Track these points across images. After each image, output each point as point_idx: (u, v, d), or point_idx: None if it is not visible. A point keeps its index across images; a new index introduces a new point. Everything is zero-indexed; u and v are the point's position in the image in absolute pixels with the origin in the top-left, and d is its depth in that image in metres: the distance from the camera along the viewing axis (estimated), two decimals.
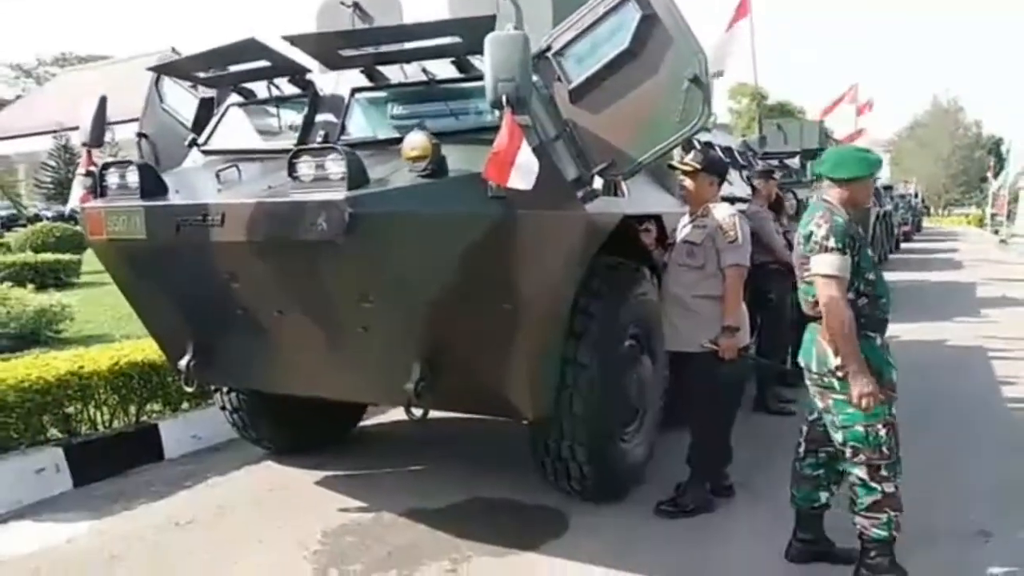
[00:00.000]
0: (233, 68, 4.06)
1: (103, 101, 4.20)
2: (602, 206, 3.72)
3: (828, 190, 3.14)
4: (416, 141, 3.07)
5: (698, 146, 4.70)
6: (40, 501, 4.38)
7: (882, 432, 2.99)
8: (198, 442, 5.39)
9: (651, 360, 4.38)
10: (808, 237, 3.01)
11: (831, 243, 2.93)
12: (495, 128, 3.24)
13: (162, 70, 4.31)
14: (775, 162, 10.44)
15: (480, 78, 3.31)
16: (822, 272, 2.93)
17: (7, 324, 7.67)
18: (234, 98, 4.38)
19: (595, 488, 3.97)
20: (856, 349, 2.92)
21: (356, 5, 4.82)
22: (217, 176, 3.62)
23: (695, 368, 4.01)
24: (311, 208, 2.99)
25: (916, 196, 34.99)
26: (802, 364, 3.19)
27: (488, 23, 3.25)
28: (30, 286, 9.83)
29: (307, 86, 4.04)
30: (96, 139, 4.21)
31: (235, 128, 4.30)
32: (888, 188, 22.50)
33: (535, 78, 3.62)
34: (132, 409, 5.22)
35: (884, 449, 3.00)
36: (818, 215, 3.03)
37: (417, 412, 3.45)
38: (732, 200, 6.15)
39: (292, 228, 3.06)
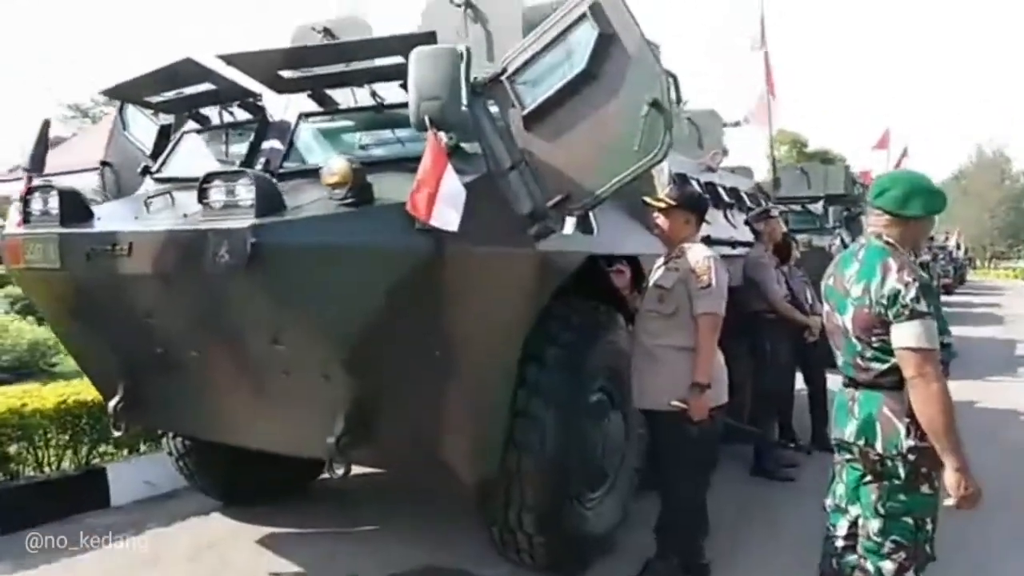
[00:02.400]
0: (186, 92, 3.82)
1: (46, 125, 4.01)
2: (561, 244, 3.36)
3: (887, 228, 2.54)
4: (335, 166, 2.76)
5: (674, 180, 4.31)
6: None
7: (929, 526, 2.51)
8: (151, 488, 5.07)
9: (623, 416, 3.96)
10: (894, 298, 2.38)
11: (923, 306, 2.34)
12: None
13: (112, 94, 4.10)
14: (797, 207, 10.02)
15: None
16: (916, 346, 2.34)
17: (0, 356, 7.58)
18: (190, 125, 4.16)
19: (547, 560, 3.53)
20: (959, 441, 2.36)
21: (326, 30, 4.61)
22: (146, 204, 3.35)
23: (662, 429, 3.59)
24: (213, 237, 2.68)
25: (959, 248, 33.92)
26: (845, 437, 2.61)
27: (428, 40, 2.96)
28: (30, 318, 9.74)
29: (257, 111, 3.79)
30: (37, 164, 4.00)
31: (187, 155, 4.06)
32: (930, 239, 21.65)
33: (492, 105, 3.32)
34: (83, 451, 4.93)
35: (927, 547, 2.52)
36: (896, 266, 2.41)
37: (340, 469, 3.08)
38: (734, 244, 5.76)
39: (195, 259, 2.75)
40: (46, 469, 4.77)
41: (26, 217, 3.52)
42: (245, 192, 2.72)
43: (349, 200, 2.74)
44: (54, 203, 3.39)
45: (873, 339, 2.51)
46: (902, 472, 2.49)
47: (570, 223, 3.30)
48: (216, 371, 3.22)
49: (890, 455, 2.50)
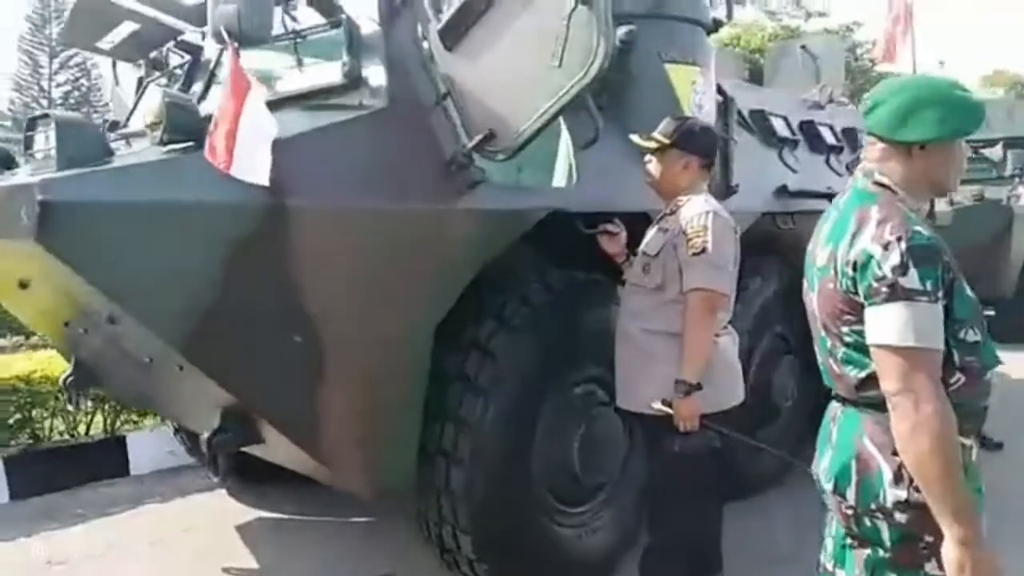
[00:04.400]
0: (118, 35, 3.41)
1: None
2: (502, 197, 2.61)
3: (881, 162, 1.65)
4: (151, 104, 2.19)
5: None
6: None
7: None
8: (173, 458, 4.90)
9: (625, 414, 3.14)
10: (864, 266, 1.53)
11: (912, 282, 1.47)
12: (343, 87, 2.34)
13: (65, 41, 3.74)
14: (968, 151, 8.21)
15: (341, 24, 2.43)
16: (897, 343, 1.48)
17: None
18: (156, 73, 3.77)
19: None
20: (965, 498, 1.47)
21: None
22: None
23: (644, 437, 2.77)
24: (10, 196, 2.20)
25: None
26: (823, 483, 1.73)
27: None
28: None
29: (192, 51, 3.31)
30: None
31: (145, 107, 3.68)
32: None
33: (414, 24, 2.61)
34: (108, 419, 4.85)
35: None
36: (876, 217, 1.55)
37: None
38: (831, 197, 4.57)
39: (11, 223, 2.30)
40: (66, 435, 4.73)
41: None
42: (51, 139, 2.22)
43: (163, 142, 2.16)
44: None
45: (843, 330, 1.63)
46: (887, 538, 1.59)
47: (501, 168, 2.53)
48: (110, 346, 2.81)
49: (868, 511, 1.61)
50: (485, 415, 2.65)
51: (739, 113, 4.03)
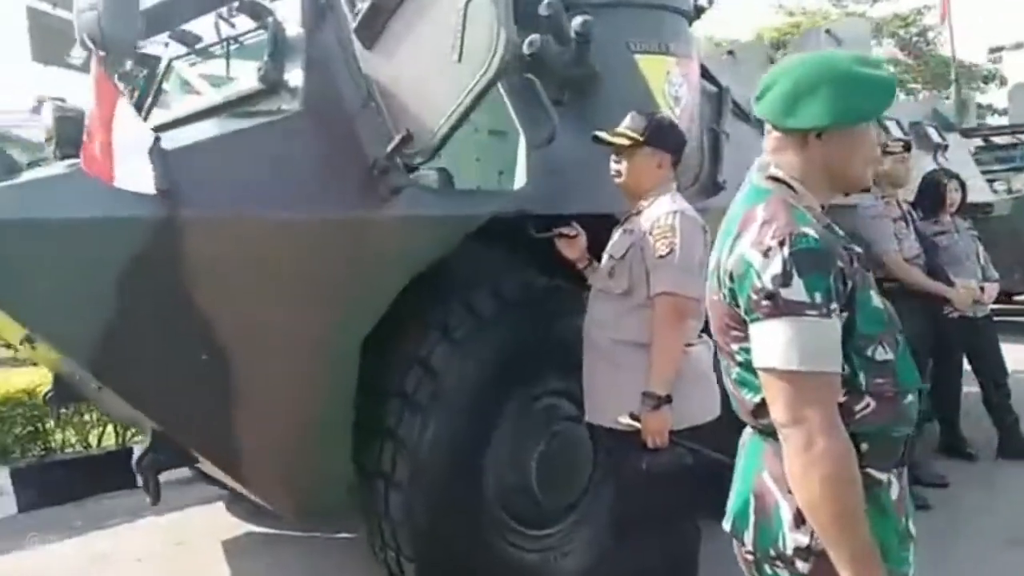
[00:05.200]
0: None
1: None
2: (435, 203, 2.46)
3: (776, 153, 1.43)
4: (45, 119, 2.13)
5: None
6: None
7: None
8: (182, 470, 4.91)
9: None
10: (742, 277, 1.31)
11: (794, 291, 1.25)
12: (264, 93, 2.24)
13: (36, 58, 3.69)
14: (1009, 139, 7.55)
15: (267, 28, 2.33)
16: (782, 366, 1.26)
17: None
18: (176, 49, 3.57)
19: None
20: (859, 530, 1.25)
21: None
22: None
23: (610, 453, 2.57)
24: None
25: None
26: (724, 525, 1.52)
27: None
28: None
29: (148, 62, 3.26)
30: None
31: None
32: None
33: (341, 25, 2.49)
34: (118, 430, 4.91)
35: None
36: (761, 217, 1.33)
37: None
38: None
39: None
40: (75, 448, 4.81)
41: None
42: None
43: (60, 157, 2.09)
44: None
45: (733, 347, 1.41)
46: None
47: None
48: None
49: (768, 557, 1.39)
50: (424, 434, 2.50)
51: (734, 103, 3.76)
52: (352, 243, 2.29)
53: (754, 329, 1.31)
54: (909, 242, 3.85)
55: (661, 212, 2.44)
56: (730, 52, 4.81)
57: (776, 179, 1.42)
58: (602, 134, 2.60)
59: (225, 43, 2.72)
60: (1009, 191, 6.34)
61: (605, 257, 2.60)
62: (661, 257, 2.37)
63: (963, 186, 4.41)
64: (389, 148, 2.28)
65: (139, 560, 3.73)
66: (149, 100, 3.10)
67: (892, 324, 1.41)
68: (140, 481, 2.54)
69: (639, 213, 2.54)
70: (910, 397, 1.40)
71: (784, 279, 1.26)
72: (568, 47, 2.85)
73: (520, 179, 2.78)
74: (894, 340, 1.39)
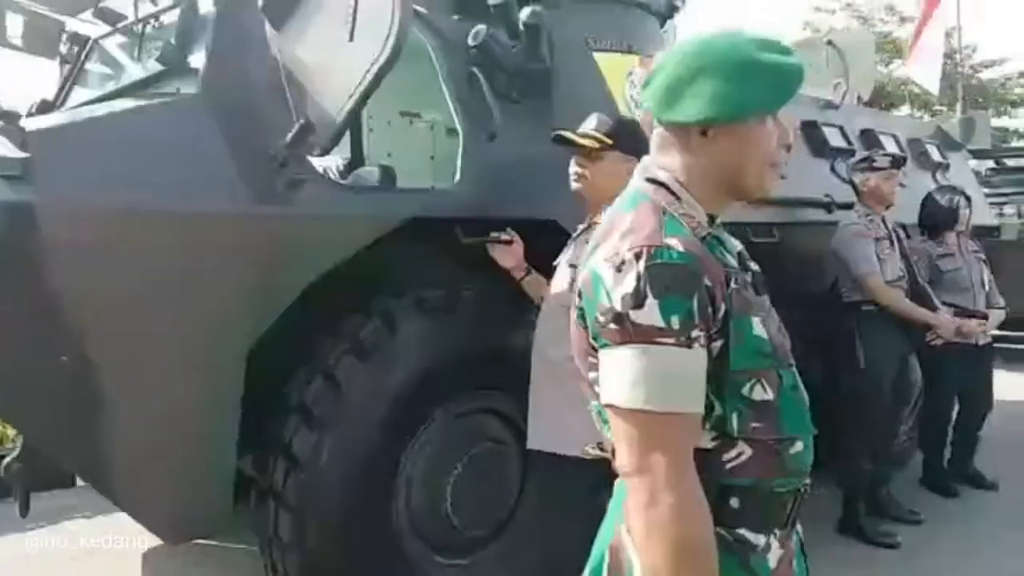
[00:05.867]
0: None
1: None
2: (340, 201, 2.25)
3: (660, 152, 1.24)
4: None
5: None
6: None
7: None
8: None
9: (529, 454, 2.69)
10: (592, 292, 1.10)
11: (646, 315, 1.03)
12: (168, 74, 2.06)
13: None
14: (1015, 161, 7.22)
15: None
16: (625, 404, 1.04)
17: None
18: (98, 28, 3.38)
19: None
20: None
21: None
22: None
23: (550, 481, 2.34)
24: None
25: None
26: None
27: None
28: None
29: (79, 41, 3.08)
30: None
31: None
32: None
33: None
34: None
35: None
36: (623, 227, 1.12)
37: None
38: (830, 207, 3.96)
39: None
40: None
41: None
42: None
43: None
44: None
45: (591, 376, 1.19)
46: None
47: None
48: None
49: None
50: (320, 452, 2.28)
51: None
52: (237, 241, 2.08)
53: (601, 357, 1.10)
54: (892, 263, 3.59)
55: None
56: None
57: (655, 181, 1.20)
58: (568, 134, 2.35)
59: (142, 23, 2.53)
60: (1020, 215, 6.03)
61: (564, 268, 2.36)
62: None
63: (969, 204, 4.17)
64: (288, 138, 2.07)
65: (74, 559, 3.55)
66: (71, 80, 2.91)
67: (777, 358, 1.17)
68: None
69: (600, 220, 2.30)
70: (798, 445, 1.17)
71: (636, 299, 1.04)
72: (519, 41, 2.64)
73: (439, 179, 2.57)
74: (777, 377, 1.16)
